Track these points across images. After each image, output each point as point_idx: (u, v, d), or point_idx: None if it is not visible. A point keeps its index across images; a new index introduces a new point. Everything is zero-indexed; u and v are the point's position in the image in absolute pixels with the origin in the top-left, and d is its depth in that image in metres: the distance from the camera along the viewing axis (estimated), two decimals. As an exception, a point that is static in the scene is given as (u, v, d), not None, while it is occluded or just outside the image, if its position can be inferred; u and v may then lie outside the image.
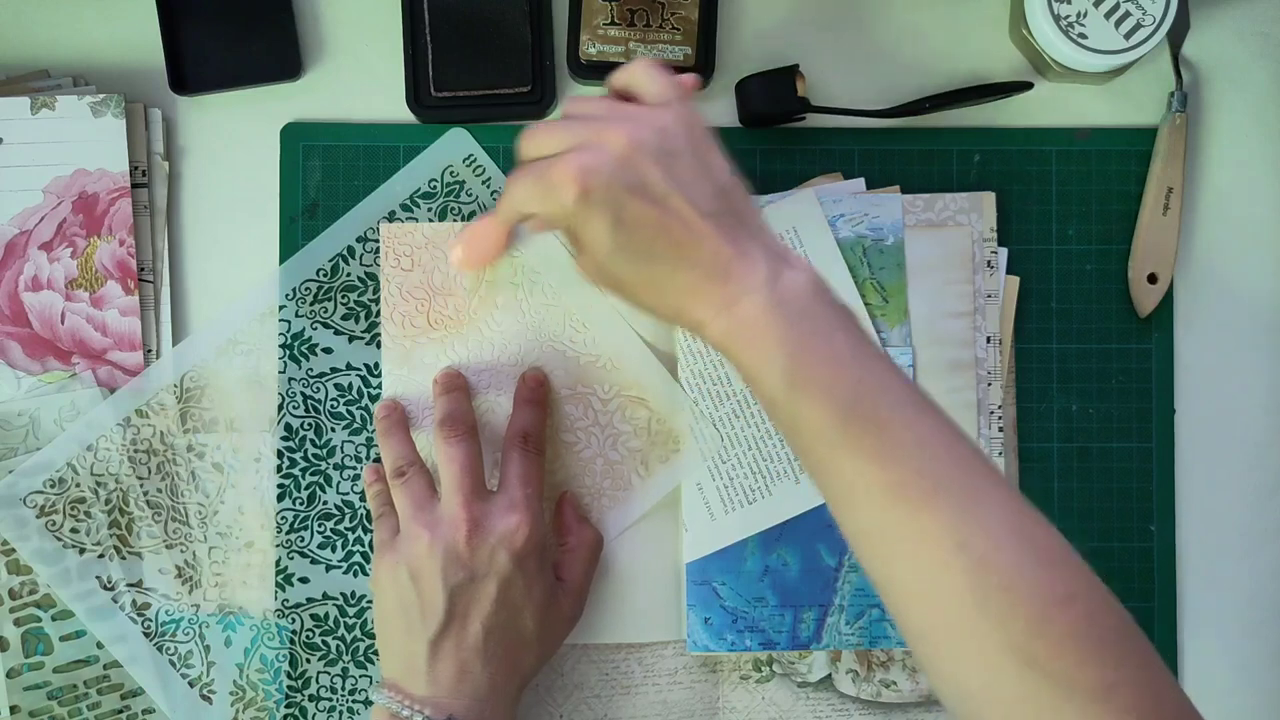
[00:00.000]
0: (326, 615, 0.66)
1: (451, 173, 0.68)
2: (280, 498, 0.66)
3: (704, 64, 0.67)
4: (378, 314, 0.67)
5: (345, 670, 0.66)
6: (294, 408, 0.67)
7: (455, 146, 0.68)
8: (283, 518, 0.66)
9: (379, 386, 0.67)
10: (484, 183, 0.68)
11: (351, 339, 0.67)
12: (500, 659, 0.59)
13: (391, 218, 0.67)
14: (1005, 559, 0.48)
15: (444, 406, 0.63)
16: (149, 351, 0.66)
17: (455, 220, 0.67)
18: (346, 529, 0.66)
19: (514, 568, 0.59)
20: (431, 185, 0.67)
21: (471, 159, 0.68)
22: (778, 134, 0.68)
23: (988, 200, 0.67)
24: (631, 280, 0.54)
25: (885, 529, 0.50)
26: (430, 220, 0.67)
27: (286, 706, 0.66)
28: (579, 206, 0.51)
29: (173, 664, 0.66)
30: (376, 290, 0.67)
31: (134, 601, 0.65)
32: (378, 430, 0.64)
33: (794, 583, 0.66)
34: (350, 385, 0.67)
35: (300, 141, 0.68)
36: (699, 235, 0.52)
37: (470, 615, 0.58)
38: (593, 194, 0.51)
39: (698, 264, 0.52)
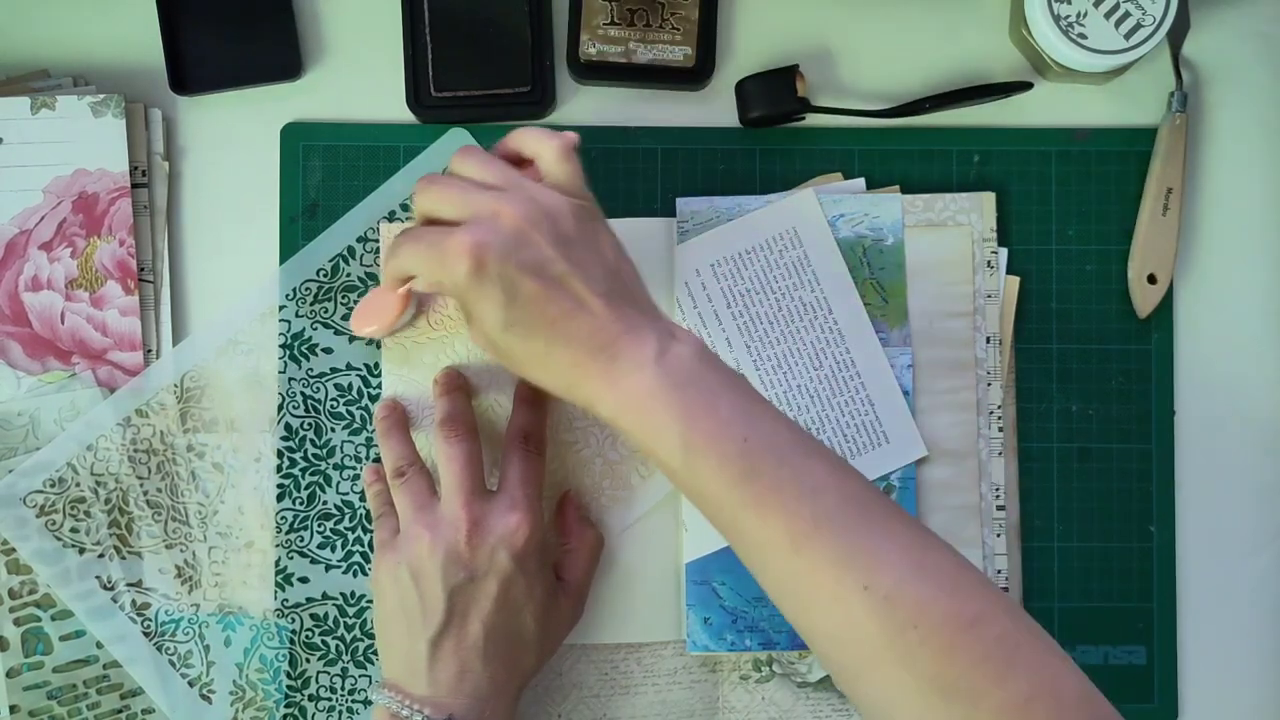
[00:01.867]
0: (326, 615, 0.66)
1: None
2: (280, 498, 0.66)
3: (704, 64, 0.67)
4: (378, 314, 0.67)
5: (345, 670, 0.66)
6: (294, 408, 0.67)
7: (455, 146, 0.67)
8: (283, 518, 0.66)
9: (379, 386, 0.67)
10: (484, 183, 0.68)
11: (351, 339, 0.67)
12: (500, 659, 0.59)
13: (391, 218, 0.67)
14: (908, 593, 0.49)
15: (444, 407, 0.63)
16: (149, 351, 0.66)
17: (455, 220, 0.67)
18: (346, 529, 0.66)
19: (514, 568, 0.59)
20: (431, 185, 0.67)
21: (471, 159, 0.68)
22: (778, 134, 0.68)
23: (988, 200, 0.67)
24: (521, 355, 0.55)
25: (795, 578, 0.51)
26: (430, 220, 0.67)
27: (286, 706, 0.66)
28: (471, 281, 0.52)
29: (172, 664, 0.66)
30: (376, 290, 0.67)
31: (134, 601, 0.65)
32: (378, 430, 0.64)
33: (794, 583, 0.66)
34: (350, 385, 0.67)
35: (300, 141, 0.68)
36: (590, 314, 0.53)
37: (470, 615, 0.58)
38: (487, 270, 0.52)
39: (586, 342, 0.53)
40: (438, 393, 0.64)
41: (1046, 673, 0.49)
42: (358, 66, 0.69)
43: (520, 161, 0.59)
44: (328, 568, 0.66)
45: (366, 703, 0.66)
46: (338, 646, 0.66)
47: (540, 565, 0.61)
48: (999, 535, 0.66)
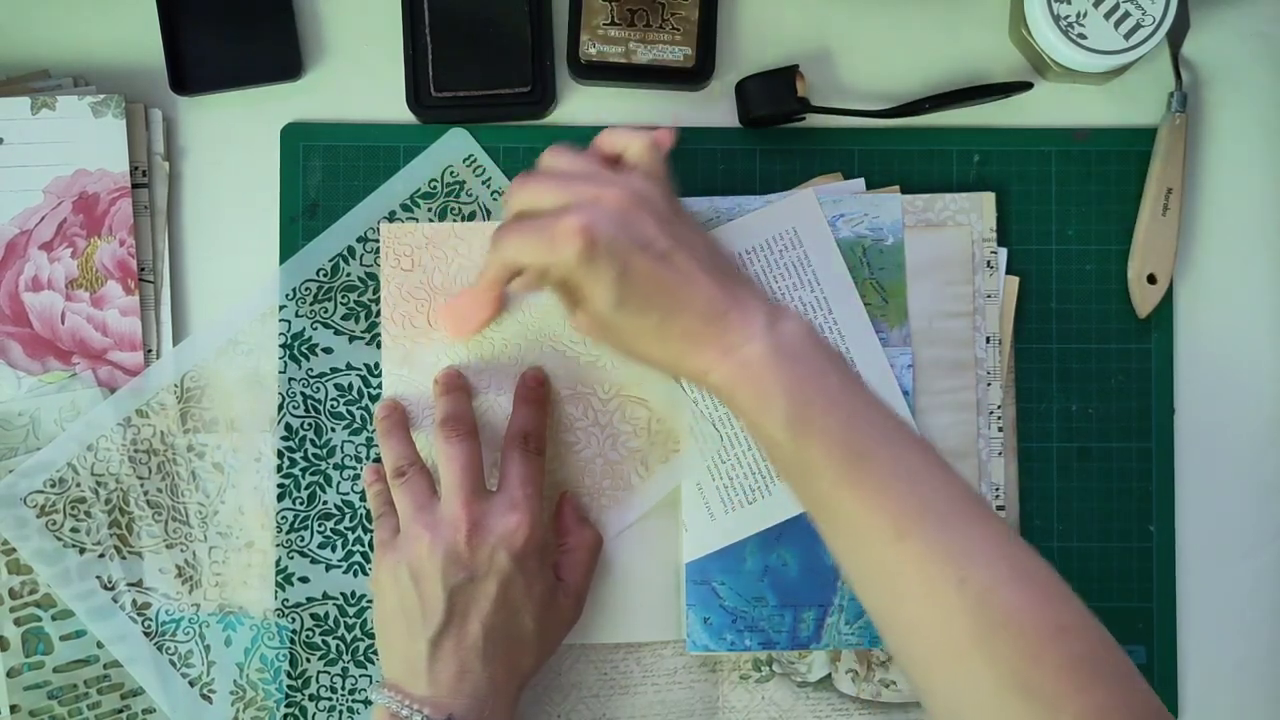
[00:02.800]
0: (326, 615, 0.66)
1: (451, 173, 0.68)
2: (280, 498, 0.66)
3: (704, 64, 0.67)
4: (378, 314, 0.67)
5: (345, 670, 0.66)
6: (294, 408, 0.67)
7: (455, 146, 0.68)
8: (283, 518, 0.66)
9: (379, 386, 0.67)
10: (484, 183, 0.68)
11: (351, 339, 0.67)
12: (500, 659, 0.59)
13: (391, 218, 0.67)
14: (1004, 594, 0.49)
15: (444, 407, 0.63)
16: (149, 351, 0.66)
17: (455, 220, 0.67)
18: (346, 529, 0.66)
19: (514, 568, 0.59)
20: (431, 185, 0.68)
21: (471, 159, 0.68)
22: (778, 134, 0.68)
23: (987, 200, 0.67)
24: (633, 331, 0.55)
25: (887, 565, 0.51)
26: (430, 220, 0.67)
27: (286, 706, 0.66)
28: (583, 261, 0.53)
29: (173, 664, 0.66)
30: (376, 290, 0.67)
31: (134, 601, 0.65)
32: (378, 430, 0.64)
33: (794, 582, 0.66)
34: (350, 385, 0.67)
35: (300, 141, 0.68)
36: (700, 286, 0.54)
37: (470, 615, 0.58)
38: (598, 248, 0.53)
39: (698, 313, 0.54)
40: (438, 392, 0.64)
41: (1125, 689, 0.49)
42: (358, 66, 0.69)
43: (609, 162, 0.59)
44: (328, 567, 0.66)
45: (367, 703, 0.66)
46: (338, 646, 0.66)
47: (540, 565, 0.61)
48: (999, 535, 0.66)
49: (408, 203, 0.67)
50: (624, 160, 0.58)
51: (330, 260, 0.67)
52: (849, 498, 0.52)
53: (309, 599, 0.66)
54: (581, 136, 0.67)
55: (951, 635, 0.49)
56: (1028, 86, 0.67)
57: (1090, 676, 0.48)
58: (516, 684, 0.60)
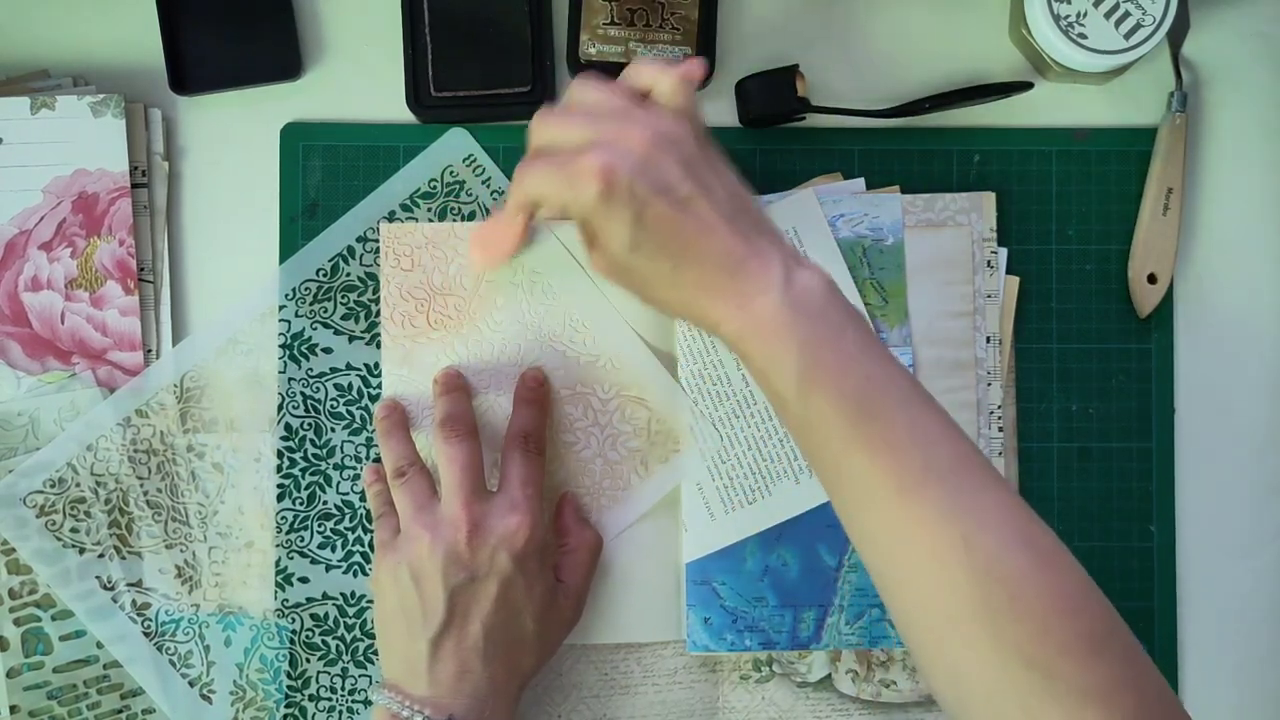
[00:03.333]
0: (326, 615, 0.66)
1: (451, 173, 0.68)
2: (280, 498, 0.66)
3: (704, 64, 0.67)
4: (378, 314, 0.67)
5: (345, 670, 0.66)
6: (294, 408, 0.67)
7: (455, 146, 0.68)
8: (283, 518, 0.66)
9: (379, 386, 0.67)
10: (484, 183, 0.68)
11: (351, 339, 0.67)
12: (500, 659, 0.59)
13: (391, 218, 0.67)
14: (1011, 562, 0.48)
15: (444, 407, 0.63)
16: (149, 351, 0.66)
17: (455, 220, 0.67)
18: (346, 529, 0.66)
19: (514, 568, 0.59)
20: (431, 185, 0.68)
21: (471, 159, 0.68)
22: (778, 134, 0.68)
23: (987, 200, 0.67)
24: (647, 275, 0.54)
25: (894, 525, 0.50)
26: (430, 220, 0.67)
27: (286, 706, 0.66)
28: (601, 202, 0.52)
29: (173, 664, 0.66)
30: (376, 290, 0.67)
31: (134, 601, 0.65)
32: (378, 431, 0.64)
33: (794, 583, 0.66)
34: (350, 385, 0.67)
35: (300, 141, 0.68)
36: (717, 235, 0.53)
37: (470, 615, 0.58)
38: (616, 190, 0.52)
39: (715, 262, 0.53)
40: (437, 392, 0.64)
41: (1129, 662, 0.48)
42: (358, 66, 0.69)
43: (638, 96, 0.57)
44: (328, 568, 0.66)
45: (367, 703, 0.66)
46: (338, 646, 0.66)
47: (540, 566, 0.61)
48: (999, 535, 0.66)
49: (408, 203, 0.67)
50: (652, 96, 0.56)
51: (330, 260, 0.67)
52: (858, 456, 0.51)
53: (309, 599, 0.66)
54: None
55: (956, 599, 0.49)
56: (1028, 86, 0.67)
57: (1096, 652, 0.48)
58: (517, 684, 0.60)
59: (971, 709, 0.49)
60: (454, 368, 0.66)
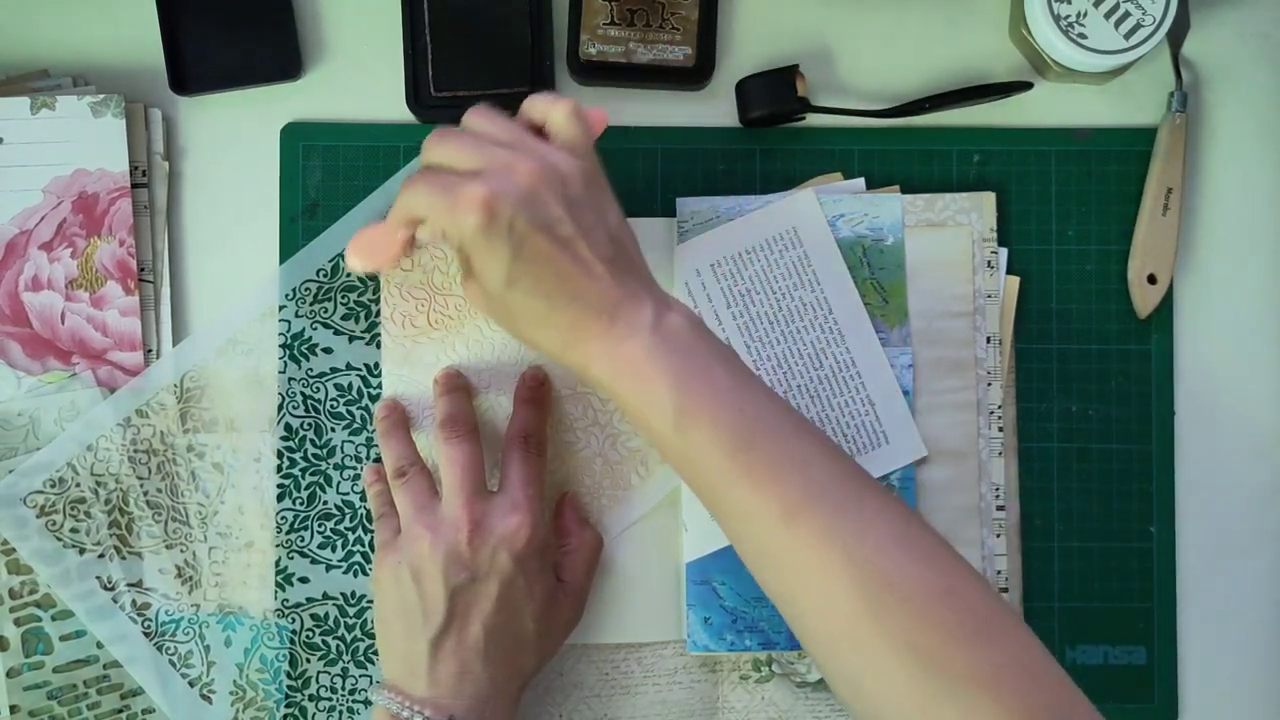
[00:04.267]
0: (326, 615, 0.66)
1: (451, 173, 0.67)
2: (280, 498, 0.66)
3: (704, 64, 0.67)
4: (378, 314, 0.67)
5: (345, 670, 0.66)
6: (294, 408, 0.67)
7: (455, 146, 0.67)
8: (283, 518, 0.66)
9: (379, 386, 0.67)
10: (484, 183, 0.67)
11: (351, 339, 0.67)
12: (501, 659, 0.59)
13: (391, 218, 0.67)
14: (887, 560, 0.50)
15: (445, 407, 0.63)
16: (149, 351, 0.66)
17: (455, 220, 0.67)
18: (346, 529, 0.66)
19: (515, 569, 0.59)
20: (431, 185, 0.67)
21: (471, 159, 0.68)
22: (778, 134, 0.68)
23: (987, 200, 0.67)
24: (520, 313, 0.55)
25: (779, 547, 0.52)
26: (430, 220, 0.67)
27: (286, 706, 0.66)
28: (481, 233, 0.52)
29: (173, 664, 0.66)
30: (376, 290, 0.67)
31: (134, 601, 0.65)
32: (378, 431, 0.64)
33: (794, 583, 0.66)
34: (350, 385, 0.67)
35: (300, 141, 0.68)
36: (594, 277, 0.54)
37: (471, 616, 0.58)
38: (497, 224, 0.52)
39: (588, 303, 0.54)
40: (438, 393, 0.64)
41: (1015, 645, 0.50)
42: (358, 66, 0.69)
43: (533, 129, 0.57)
44: (328, 568, 0.66)
45: (367, 703, 0.66)
46: (338, 646, 0.66)
47: (541, 566, 0.61)
48: (999, 535, 0.66)
49: (408, 203, 0.67)
50: (548, 129, 0.56)
51: (330, 260, 0.67)
52: (738, 485, 0.52)
53: (309, 599, 0.66)
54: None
55: (843, 607, 0.50)
56: (1028, 86, 0.67)
57: (978, 635, 0.49)
58: (517, 684, 0.60)
59: (871, 707, 0.50)
60: (454, 367, 0.66)
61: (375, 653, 0.66)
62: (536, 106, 0.57)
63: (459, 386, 0.64)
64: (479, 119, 0.56)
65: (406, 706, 0.57)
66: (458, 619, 0.58)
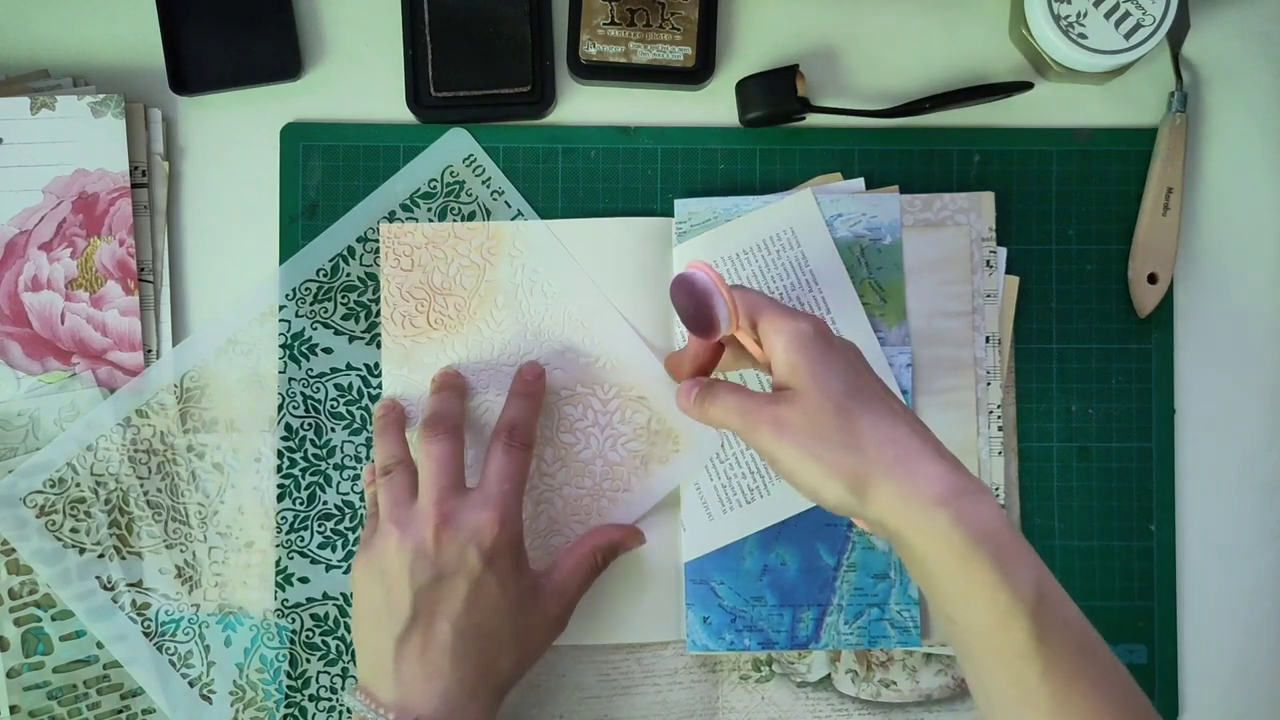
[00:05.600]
0: (326, 615, 0.66)
1: (451, 173, 0.68)
2: (280, 498, 0.66)
3: (704, 64, 0.67)
4: (378, 314, 0.67)
5: (345, 670, 0.66)
6: (294, 408, 0.67)
7: (455, 146, 0.68)
8: (283, 518, 0.66)
9: (379, 386, 0.67)
10: (484, 183, 0.68)
11: (351, 339, 0.67)
12: (473, 660, 0.57)
13: (391, 218, 0.67)
14: None
15: (432, 406, 0.62)
16: (149, 351, 0.66)
17: (455, 220, 0.67)
18: (346, 529, 0.66)
19: (484, 566, 0.57)
20: (431, 185, 0.68)
21: (471, 159, 0.68)
22: (777, 134, 0.68)
23: (987, 200, 0.67)
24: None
25: None
26: (430, 220, 0.67)
27: (286, 706, 0.66)
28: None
29: (173, 664, 0.66)
30: (376, 290, 0.67)
31: (134, 601, 0.65)
32: (374, 429, 0.64)
33: (792, 582, 0.66)
34: (350, 385, 0.67)
35: (300, 141, 0.68)
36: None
37: (438, 614, 0.57)
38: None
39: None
40: (430, 391, 0.64)
41: None
42: (358, 66, 0.69)
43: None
44: (328, 568, 0.66)
45: (366, 703, 0.66)
46: (338, 646, 0.66)
47: (515, 564, 0.59)
48: (999, 535, 0.66)
49: (407, 203, 0.67)
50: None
51: (330, 260, 0.67)
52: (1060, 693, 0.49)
53: (309, 599, 0.66)
54: (582, 136, 0.68)
55: None
56: (1028, 86, 0.67)
57: None
58: (493, 686, 0.58)
59: None
60: (453, 367, 0.66)
61: (375, 653, 0.66)
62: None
63: (450, 386, 0.64)
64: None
65: (372, 709, 0.56)
66: (423, 618, 0.57)
